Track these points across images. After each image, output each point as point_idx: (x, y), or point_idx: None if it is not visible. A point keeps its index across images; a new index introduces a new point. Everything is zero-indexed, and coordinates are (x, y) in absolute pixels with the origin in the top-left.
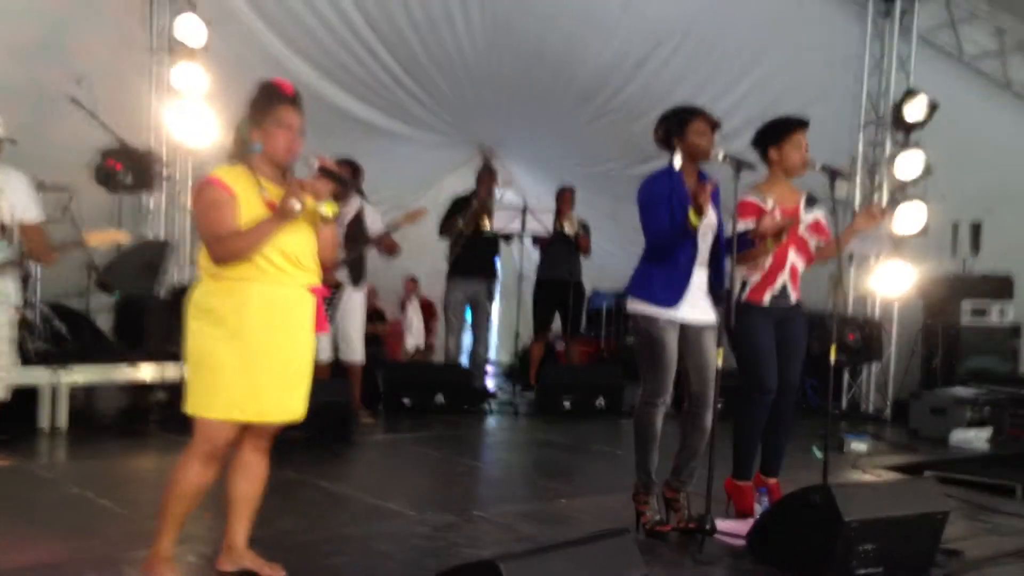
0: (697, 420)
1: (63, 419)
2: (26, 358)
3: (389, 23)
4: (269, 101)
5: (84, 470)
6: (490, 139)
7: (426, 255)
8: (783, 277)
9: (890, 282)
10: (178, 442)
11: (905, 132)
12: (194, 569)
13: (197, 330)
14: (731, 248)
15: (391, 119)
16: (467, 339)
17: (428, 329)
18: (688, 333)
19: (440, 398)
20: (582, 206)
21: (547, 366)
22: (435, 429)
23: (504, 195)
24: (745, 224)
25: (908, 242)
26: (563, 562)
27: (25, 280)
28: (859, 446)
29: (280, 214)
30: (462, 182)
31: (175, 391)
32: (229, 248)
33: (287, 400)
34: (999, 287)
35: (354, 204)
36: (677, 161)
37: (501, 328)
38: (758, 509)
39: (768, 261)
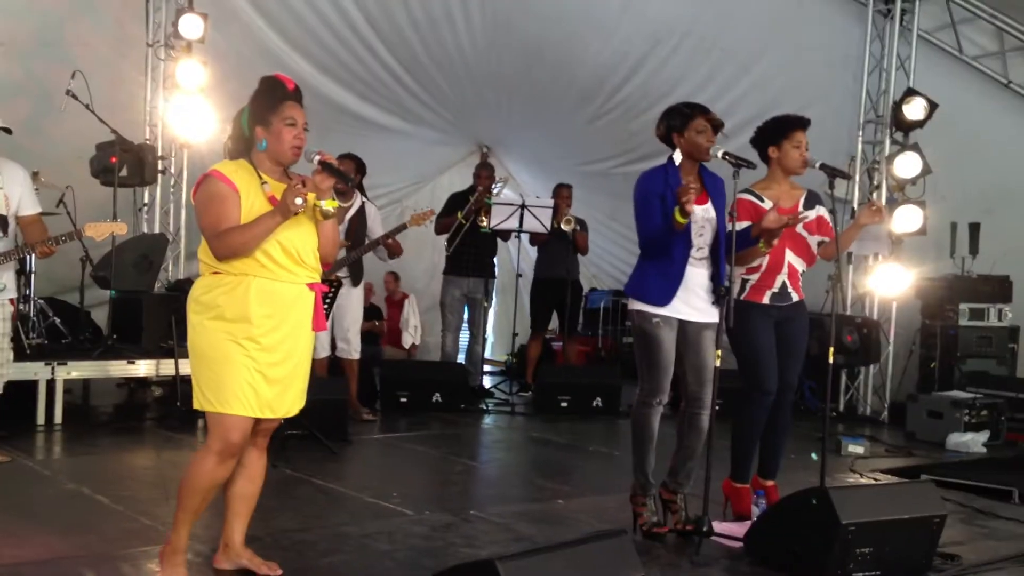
0: (694, 420)
1: (59, 414)
2: (22, 353)
3: (389, 21)
4: (273, 97)
5: (80, 466)
6: (489, 138)
7: (424, 252)
8: (781, 278)
9: (888, 283)
10: (174, 438)
11: (904, 132)
12: (192, 567)
13: (201, 326)
14: (729, 247)
15: (390, 116)
16: (464, 337)
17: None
18: (688, 332)
19: (437, 396)
20: (580, 205)
21: (544, 365)
22: (432, 428)
23: (502, 192)
24: (740, 224)
25: (906, 242)
26: (560, 562)
27: (21, 274)
28: (856, 449)
29: (282, 209)
30: (460, 179)
31: (171, 387)
32: (230, 243)
33: (288, 396)
34: (998, 289)
35: (356, 202)
36: (677, 157)
37: (498, 326)
38: (755, 511)
39: (764, 262)
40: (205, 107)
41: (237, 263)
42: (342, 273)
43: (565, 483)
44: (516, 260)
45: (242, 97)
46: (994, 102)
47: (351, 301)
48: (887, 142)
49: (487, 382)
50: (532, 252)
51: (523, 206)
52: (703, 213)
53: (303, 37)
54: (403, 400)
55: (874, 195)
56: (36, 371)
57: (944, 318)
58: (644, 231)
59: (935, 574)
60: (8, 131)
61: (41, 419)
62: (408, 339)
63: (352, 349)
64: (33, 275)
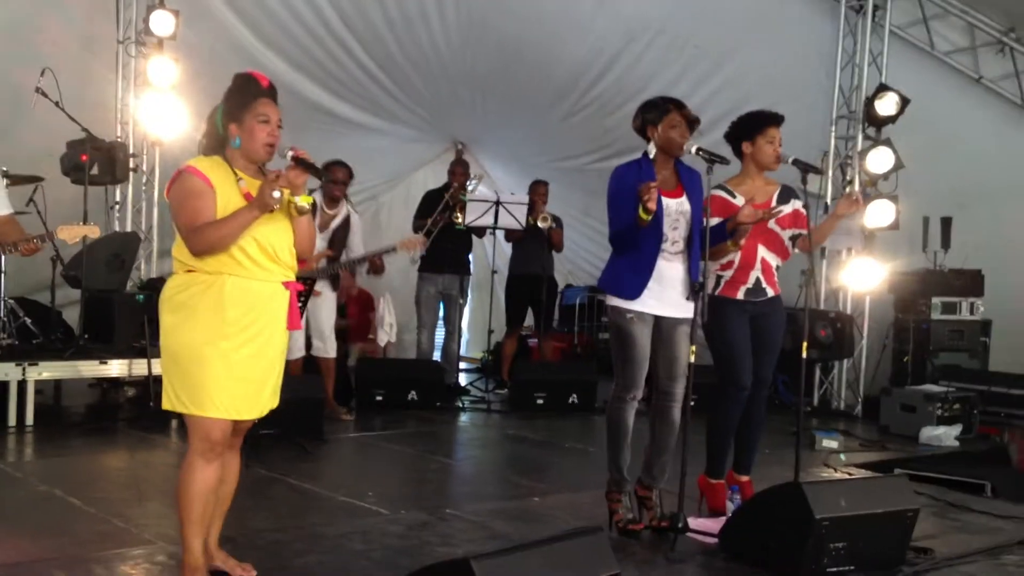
0: (664, 413)
1: (30, 416)
2: None
3: (364, 20)
4: (246, 94)
5: (52, 467)
6: (464, 135)
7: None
8: (755, 274)
9: (861, 277)
10: (147, 439)
11: (877, 127)
12: (165, 569)
13: (174, 326)
14: (703, 242)
15: (365, 114)
16: (439, 335)
17: (367, 321)
18: (662, 327)
19: (413, 394)
20: (555, 201)
21: (520, 362)
22: (408, 426)
23: (477, 189)
24: (712, 220)
25: (879, 237)
26: (536, 560)
27: None
28: (830, 443)
29: (259, 203)
30: (435, 176)
31: (144, 386)
32: (207, 237)
33: (262, 396)
34: (969, 283)
35: (342, 211)
36: (651, 151)
37: (473, 323)
38: (730, 507)
39: (737, 258)
40: (177, 104)
41: (212, 261)
42: (321, 283)
43: (541, 480)
44: (491, 257)
45: (214, 94)
46: (966, 97)
47: (325, 300)
48: (859, 137)
49: (463, 379)
50: (507, 249)
51: (498, 202)
52: (677, 206)
53: (276, 34)
54: (378, 398)
55: (847, 191)
56: (7, 372)
57: (917, 312)
58: (614, 224)
59: (908, 568)
60: None
61: (12, 420)
62: (384, 337)
63: (328, 347)
64: (3, 275)
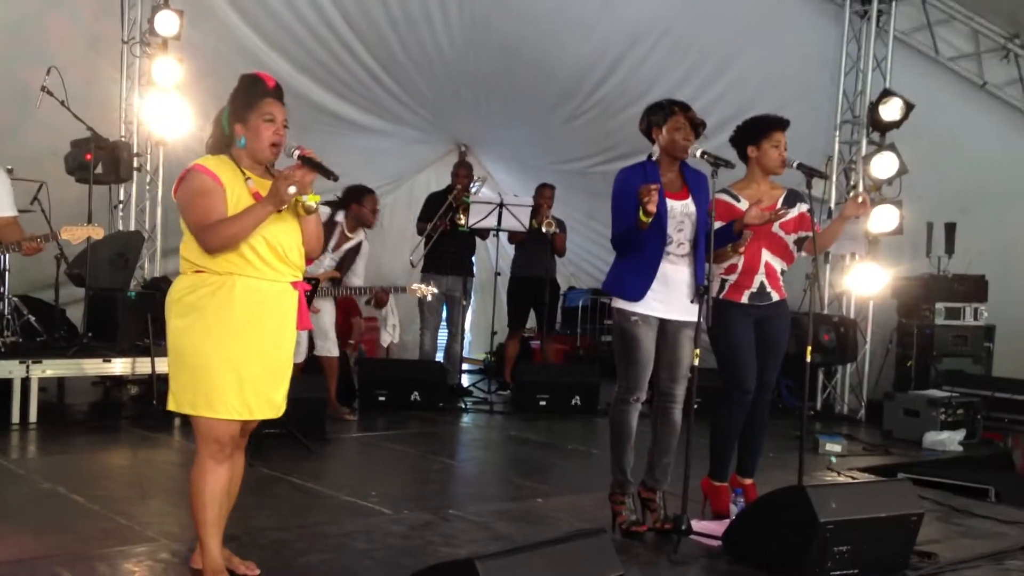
0: (666, 415)
1: (34, 413)
2: None
3: (367, 20)
4: (252, 94)
5: (55, 465)
6: (467, 137)
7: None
8: (759, 278)
9: (865, 282)
10: (150, 437)
11: (881, 132)
12: (168, 566)
13: (183, 328)
14: (709, 246)
15: (368, 115)
16: (442, 336)
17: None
18: (667, 330)
19: (416, 395)
20: (559, 203)
21: (523, 364)
22: (411, 426)
23: (480, 191)
24: (716, 224)
25: (883, 242)
26: (540, 561)
27: None
28: (833, 447)
29: (274, 198)
30: (438, 178)
31: (147, 385)
32: (221, 234)
33: (272, 396)
34: (973, 288)
35: (359, 236)
36: (655, 153)
37: (476, 325)
38: (734, 510)
39: (741, 262)
40: (181, 104)
41: (222, 260)
42: (326, 302)
43: (544, 482)
44: (495, 259)
45: (218, 95)
46: (970, 103)
47: (327, 301)
48: (864, 142)
49: (465, 381)
50: (510, 250)
51: (501, 204)
52: (682, 208)
53: (280, 35)
54: (381, 399)
55: (858, 188)
56: (11, 369)
57: (920, 317)
58: (617, 226)
59: (912, 572)
60: None
61: (16, 418)
62: (387, 337)
63: (331, 346)
64: (7, 273)
